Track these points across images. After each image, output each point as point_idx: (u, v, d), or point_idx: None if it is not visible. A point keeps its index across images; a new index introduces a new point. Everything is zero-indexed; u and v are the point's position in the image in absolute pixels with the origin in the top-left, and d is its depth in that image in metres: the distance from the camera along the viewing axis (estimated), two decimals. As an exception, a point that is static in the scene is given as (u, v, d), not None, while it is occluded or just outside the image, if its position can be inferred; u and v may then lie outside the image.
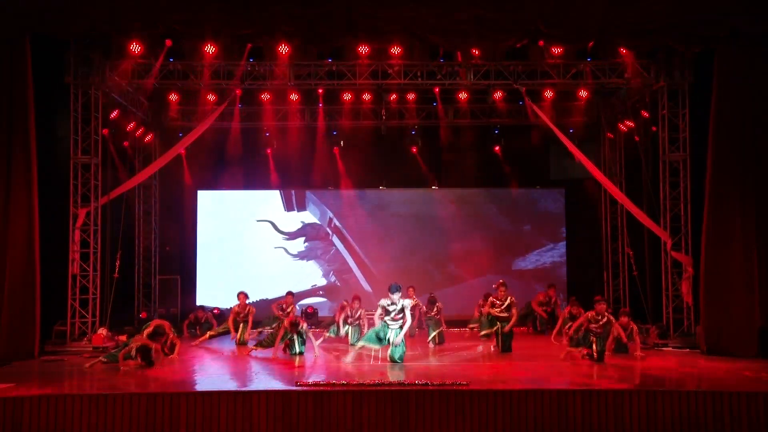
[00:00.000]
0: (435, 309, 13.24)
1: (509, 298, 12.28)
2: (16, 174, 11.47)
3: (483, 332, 12.61)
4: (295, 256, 17.82)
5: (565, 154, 15.75)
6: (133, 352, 10.54)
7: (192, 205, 17.82)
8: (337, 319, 13.59)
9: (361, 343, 11.26)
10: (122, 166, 15.19)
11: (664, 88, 13.36)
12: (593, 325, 11.10)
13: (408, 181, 17.93)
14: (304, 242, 17.75)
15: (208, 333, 13.59)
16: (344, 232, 17.86)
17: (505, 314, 12.09)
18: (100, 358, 10.72)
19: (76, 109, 13.03)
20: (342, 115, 16.66)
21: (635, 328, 11.76)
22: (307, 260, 17.82)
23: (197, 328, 14.80)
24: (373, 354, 11.34)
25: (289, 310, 13.38)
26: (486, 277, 17.15)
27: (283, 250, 17.85)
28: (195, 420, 8.17)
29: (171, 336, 11.46)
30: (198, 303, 16.48)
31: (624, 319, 11.76)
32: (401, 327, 10.82)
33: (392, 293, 10.82)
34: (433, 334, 13.11)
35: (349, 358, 11.20)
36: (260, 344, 11.95)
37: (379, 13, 11.71)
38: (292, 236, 17.73)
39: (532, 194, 17.95)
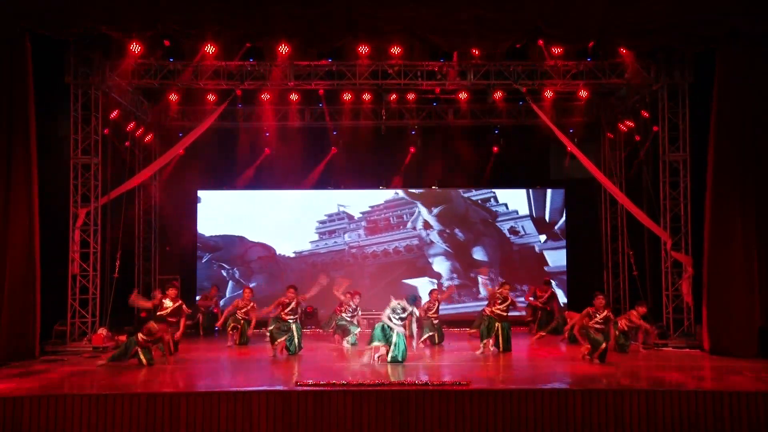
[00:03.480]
0: (426, 308, 13.17)
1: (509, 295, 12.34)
2: (16, 174, 11.46)
3: (482, 341, 12.01)
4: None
5: (565, 154, 15.73)
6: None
7: (192, 205, 17.82)
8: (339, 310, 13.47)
9: (374, 344, 10.83)
10: (122, 166, 15.15)
11: (665, 87, 13.35)
12: (592, 322, 11.10)
13: (408, 181, 17.92)
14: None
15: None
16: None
17: (506, 313, 12.09)
18: (105, 360, 10.74)
19: (76, 109, 13.03)
20: (342, 115, 16.66)
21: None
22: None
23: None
24: (377, 353, 10.96)
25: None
26: (485, 277, 17.14)
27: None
28: (195, 420, 8.17)
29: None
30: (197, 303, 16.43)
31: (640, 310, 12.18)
32: (404, 329, 10.87)
33: (409, 303, 11.00)
34: (428, 334, 13.02)
35: (365, 358, 11.00)
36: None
37: (379, 13, 11.73)
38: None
39: (532, 194, 17.92)
